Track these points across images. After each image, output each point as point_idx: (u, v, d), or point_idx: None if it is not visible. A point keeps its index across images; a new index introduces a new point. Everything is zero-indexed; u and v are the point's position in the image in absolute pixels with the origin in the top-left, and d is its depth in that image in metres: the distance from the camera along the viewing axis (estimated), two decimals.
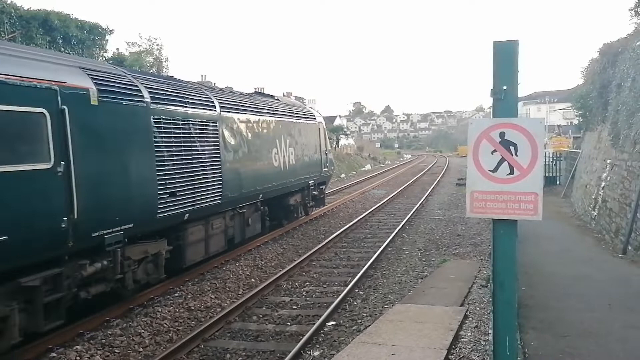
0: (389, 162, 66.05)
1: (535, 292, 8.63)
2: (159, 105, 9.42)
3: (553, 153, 28.47)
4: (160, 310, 9.28)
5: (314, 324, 8.51)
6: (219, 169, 11.33)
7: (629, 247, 11.41)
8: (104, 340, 7.94)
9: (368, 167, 51.93)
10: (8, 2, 18.05)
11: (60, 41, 19.36)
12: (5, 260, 6.31)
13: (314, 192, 18.77)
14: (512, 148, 3.68)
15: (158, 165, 9.20)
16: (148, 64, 24.84)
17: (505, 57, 3.62)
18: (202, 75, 13.33)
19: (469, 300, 9.04)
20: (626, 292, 8.70)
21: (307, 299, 10.30)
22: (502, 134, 3.69)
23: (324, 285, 11.22)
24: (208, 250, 11.61)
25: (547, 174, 25.37)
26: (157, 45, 27.27)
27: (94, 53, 20.94)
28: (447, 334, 7.00)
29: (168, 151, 9.52)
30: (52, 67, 7.33)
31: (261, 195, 13.87)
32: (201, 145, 10.70)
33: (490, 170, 3.74)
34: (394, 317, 7.94)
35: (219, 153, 11.38)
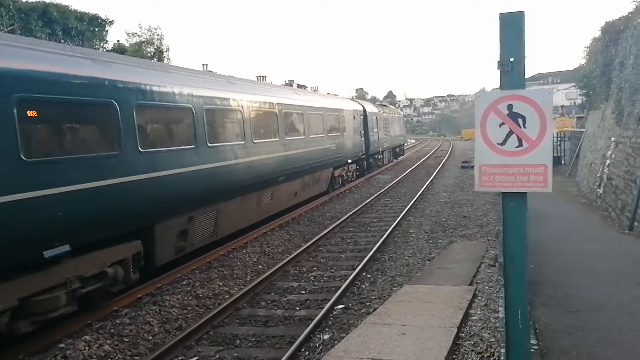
0: None
1: (543, 269, 8.63)
2: (376, 112, 31.92)
3: (557, 133, 28.42)
4: (168, 298, 9.30)
5: (323, 307, 8.52)
6: (385, 134, 33.50)
7: (635, 223, 11.38)
8: (112, 330, 7.95)
9: None
10: None
11: (60, 33, 19.17)
12: (356, 156, 26.54)
13: (403, 147, 43.21)
14: (520, 120, 3.62)
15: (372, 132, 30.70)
16: (149, 55, 24.64)
17: (512, 28, 3.53)
18: (203, 65, 13.16)
19: (478, 279, 9.03)
20: (634, 268, 8.70)
21: (315, 283, 10.32)
22: (509, 107, 3.62)
23: (332, 270, 11.23)
24: (384, 163, 34.39)
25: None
26: (158, 35, 27.05)
27: (94, 44, 20.74)
28: (457, 312, 6.99)
29: (378, 128, 31.63)
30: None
31: (390, 146, 35.94)
32: (383, 126, 32.92)
33: (498, 144, 3.68)
34: (402, 297, 7.94)
35: (386, 129, 34.23)
